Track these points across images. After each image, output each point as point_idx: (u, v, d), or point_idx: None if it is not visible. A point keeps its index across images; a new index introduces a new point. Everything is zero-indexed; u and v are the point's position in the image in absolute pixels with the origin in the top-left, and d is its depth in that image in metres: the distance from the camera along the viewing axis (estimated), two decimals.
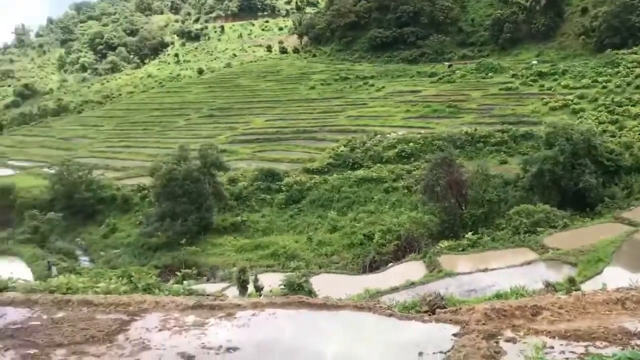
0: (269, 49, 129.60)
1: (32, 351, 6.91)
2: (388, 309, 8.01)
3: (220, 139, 59.73)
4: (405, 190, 40.55)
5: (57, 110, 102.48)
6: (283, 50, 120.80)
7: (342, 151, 48.93)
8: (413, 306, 9.41)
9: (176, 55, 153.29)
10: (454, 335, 6.67)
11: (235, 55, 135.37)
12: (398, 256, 30.66)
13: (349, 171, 45.19)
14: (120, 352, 6.83)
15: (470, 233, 28.92)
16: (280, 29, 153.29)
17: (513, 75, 68.14)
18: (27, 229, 38.43)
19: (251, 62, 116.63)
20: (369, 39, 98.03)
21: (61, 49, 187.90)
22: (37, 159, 66.68)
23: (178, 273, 26.79)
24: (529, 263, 23.22)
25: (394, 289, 20.51)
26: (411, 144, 47.72)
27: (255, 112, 72.59)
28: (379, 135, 51.05)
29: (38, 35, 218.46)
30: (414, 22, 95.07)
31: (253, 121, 67.99)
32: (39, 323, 7.80)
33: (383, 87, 74.39)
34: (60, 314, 8.09)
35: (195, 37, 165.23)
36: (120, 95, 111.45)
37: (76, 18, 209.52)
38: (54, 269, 28.90)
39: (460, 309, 7.61)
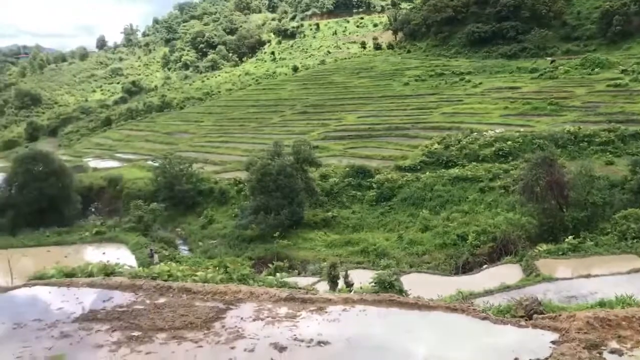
0: (363, 45, 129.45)
1: (136, 333, 7.35)
2: (482, 312, 7.83)
3: (312, 135, 60.48)
4: (502, 191, 39.11)
5: (160, 106, 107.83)
6: (377, 47, 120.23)
7: (435, 149, 47.84)
8: (508, 310, 9.10)
9: (272, 53, 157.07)
10: (553, 342, 6.41)
11: (329, 52, 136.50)
12: (493, 258, 29.82)
13: (443, 169, 44.11)
14: (217, 339, 7.11)
15: (571, 237, 27.56)
16: (375, 25, 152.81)
17: (622, 71, 63.98)
18: (132, 218, 40.54)
19: (345, 59, 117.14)
20: (466, 34, 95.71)
21: (165, 47, 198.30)
22: (142, 152, 70.64)
23: (270, 265, 27.56)
24: (637, 271, 21.76)
25: (488, 292, 19.94)
26: (509, 142, 45.97)
27: (348, 108, 72.73)
28: (475, 133, 49.55)
29: (144, 34, 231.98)
30: (515, 16, 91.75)
31: (345, 118, 68.24)
32: (142, 307, 8.28)
33: (480, 83, 72.18)
34: (162, 300, 8.54)
35: (291, 35, 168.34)
36: (219, 92, 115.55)
37: (179, 18, 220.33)
38: (156, 257, 30.30)
39: (559, 315, 7.30)
